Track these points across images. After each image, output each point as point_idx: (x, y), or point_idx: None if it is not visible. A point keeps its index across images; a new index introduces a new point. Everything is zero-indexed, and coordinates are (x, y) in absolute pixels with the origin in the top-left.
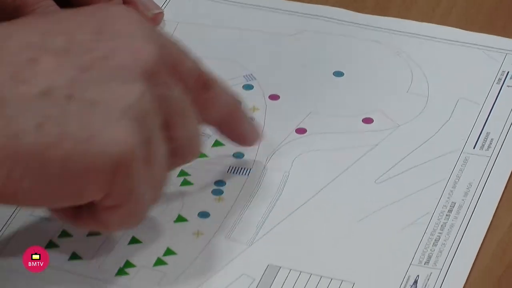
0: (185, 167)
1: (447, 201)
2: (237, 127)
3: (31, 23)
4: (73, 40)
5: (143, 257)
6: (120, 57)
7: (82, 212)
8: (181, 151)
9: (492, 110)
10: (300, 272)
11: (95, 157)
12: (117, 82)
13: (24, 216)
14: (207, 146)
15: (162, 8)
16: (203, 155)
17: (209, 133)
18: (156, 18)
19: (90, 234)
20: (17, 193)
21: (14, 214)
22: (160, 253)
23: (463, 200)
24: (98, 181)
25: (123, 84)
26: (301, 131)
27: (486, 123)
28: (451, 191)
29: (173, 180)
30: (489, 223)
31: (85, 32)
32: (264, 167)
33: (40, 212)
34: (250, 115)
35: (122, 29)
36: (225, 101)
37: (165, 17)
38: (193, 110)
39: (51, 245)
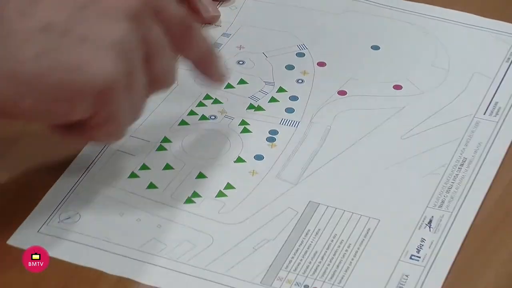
0: (246, 118)
1: (460, 156)
2: (209, 67)
3: None
4: None
5: (207, 189)
6: (109, 1)
7: (74, 129)
8: (158, 81)
9: (501, 83)
10: (336, 208)
11: (83, 84)
12: (106, 21)
13: (112, 151)
14: (264, 102)
15: None
16: (261, 109)
17: (266, 91)
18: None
19: (165, 168)
20: (20, 110)
21: (103, 150)
22: (221, 186)
23: (473, 156)
24: (85, 103)
25: (111, 22)
26: (342, 93)
27: (496, 94)
28: (464, 148)
29: (235, 128)
30: (493, 176)
31: None
32: (310, 121)
33: (126, 149)
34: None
35: None
36: (202, 43)
37: None
38: (170, 48)
39: (133, 175)
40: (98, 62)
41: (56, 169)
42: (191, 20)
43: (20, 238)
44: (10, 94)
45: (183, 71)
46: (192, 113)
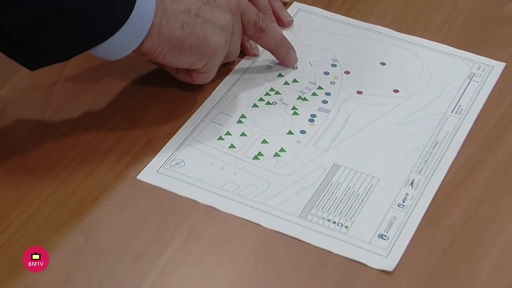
0: (296, 105)
1: (434, 139)
2: (280, 55)
3: None
4: None
5: (268, 151)
6: (221, 0)
7: (181, 72)
8: (229, 53)
9: (464, 93)
10: (351, 169)
11: (205, 47)
12: (219, 12)
13: (208, 121)
14: (308, 95)
15: (293, 17)
16: (306, 100)
17: (310, 88)
18: (289, 23)
19: (241, 135)
20: (164, 58)
21: (202, 120)
22: (277, 149)
23: (442, 140)
24: (203, 59)
25: (221, 13)
26: (359, 92)
27: (460, 99)
28: (437, 134)
29: (288, 111)
30: (455, 154)
31: None
32: (338, 110)
33: (217, 121)
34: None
35: None
36: (273, 39)
37: (294, 22)
38: (240, 36)
39: (220, 138)
40: (214, 35)
41: (171, 131)
42: (263, 24)
43: (146, 175)
44: (163, 47)
45: (256, 73)
46: (261, 99)
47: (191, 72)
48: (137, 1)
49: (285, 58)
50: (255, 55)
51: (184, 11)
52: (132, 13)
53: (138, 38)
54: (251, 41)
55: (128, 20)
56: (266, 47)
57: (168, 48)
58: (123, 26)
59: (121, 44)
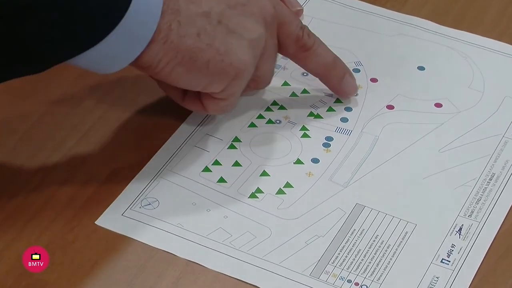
0: (306, 124)
1: (489, 171)
2: (332, 82)
3: None
4: None
5: (269, 186)
6: (253, 6)
7: (189, 97)
8: (258, 79)
9: None
10: (379, 211)
11: (226, 66)
12: (249, 21)
13: (190, 146)
14: (323, 111)
15: (303, 6)
16: (319, 117)
17: (325, 101)
18: (298, 13)
19: (234, 165)
20: (169, 75)
21: (183, 144)
22: (281, 185)
23: (500, 172)
24: (222, 81)
25: (252, 23)
26: (390, 107)
27: None
28: (493, 164)
29: (296, 132)
30: None
31: None
32: (361, 131)
33: (202, 146)
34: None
35: None
36: (323, 60)
37: (304, 12)
38: (275, 56)
39: (206, 169)
40: (240, 51)
41: (140, 160)
42: (309, 40)
43: (107, 220)
44: (169, 60)
45: None
46: (260, 116)
47: (204, 97)
48: None
49: (339, 86)
50: (300, 12)
51: (203, 14)
52: (129, 10)
53: (138, 46)
54: None
55: (123, 20)
56: (313, 72)
57: (176, 62)
58: (115, 29)
59: (112, 53)
